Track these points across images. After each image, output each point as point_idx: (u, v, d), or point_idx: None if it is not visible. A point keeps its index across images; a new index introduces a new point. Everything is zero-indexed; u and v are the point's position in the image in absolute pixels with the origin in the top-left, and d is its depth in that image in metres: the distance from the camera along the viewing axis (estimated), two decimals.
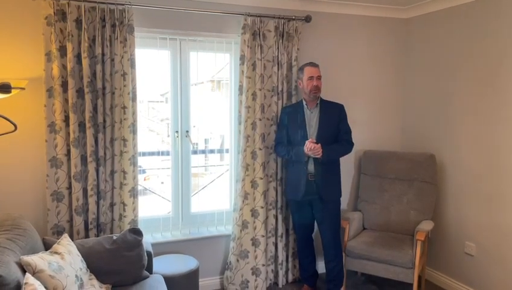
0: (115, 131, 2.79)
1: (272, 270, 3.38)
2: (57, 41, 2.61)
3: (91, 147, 2.71)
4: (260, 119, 3.13)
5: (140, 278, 2.46)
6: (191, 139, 3.24)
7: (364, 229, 3.42)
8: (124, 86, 2.77)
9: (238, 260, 3.20)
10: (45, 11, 2.57)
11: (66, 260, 2.05)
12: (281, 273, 3.37)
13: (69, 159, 2.72)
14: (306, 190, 2.96)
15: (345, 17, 3.51)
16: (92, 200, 2.75)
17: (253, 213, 3.19)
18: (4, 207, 2.70)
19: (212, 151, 3.61)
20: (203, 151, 3.44)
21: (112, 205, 2.85)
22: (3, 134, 2.50)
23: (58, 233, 2.72)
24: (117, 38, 2.72)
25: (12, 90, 2.33)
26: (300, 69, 3.02)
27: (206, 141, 3.55)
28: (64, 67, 2.67)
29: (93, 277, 2.28)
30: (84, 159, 2.77)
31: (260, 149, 3.14)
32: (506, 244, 2.85)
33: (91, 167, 2.72)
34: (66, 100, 2.68)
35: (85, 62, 2.65)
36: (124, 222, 2.85)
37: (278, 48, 3.17)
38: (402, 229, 3.28)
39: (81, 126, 2.75)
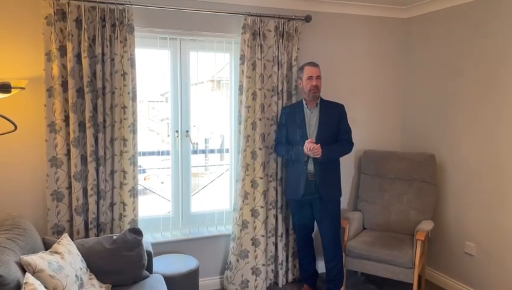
0: (115, 131, 2.79)
1: (272, 270, 3.38)
2: (57, 41, 2.61)
3: (91, 147, 2.71)
4: (260, 119, 3.13)
5: (140, 278, 2.46)
6: (191, 139, 3.24)
7: (364, 229, 3.42)
8: (124, 85, 2.77)
9: (238, 260, 3.20)
10: (45, 11, 2.57)
11: (66, 259, 2.05)
12: (281, 273, 3.37)
13: (69, 159, 2.72)
14: (306, 190, 2.96)
15: (345, 17, 3.51)
16: (92, 200, 2.75)
17: (253, 213, 3.19)
18: (4, 207, 2.71)
19: (212, 151, 3.61)
20: (203, 151, 3.44)
21: (112, 204, 2.85)
22: (3, 134, 2.50)
23: (58, 233, 2.72)
24: (117, 38, 2.72)
25: (13, 90, 2.33)
26: (300, 69, 3.02)
27: (206, 140, 3.55)
28: (64, 67, 2.67)
29: (93, 276, 2.28)
30: (84, 159, 2.77)
31: (260, 149, 3.14)
32: (506, 244, 2.85)
33: (91, 166, 2.72)
34: (66, 100, 2.69)
35: (85, 62, 2.65)
36: (124, 221, 2.85)
37: (278, 47, 3.17)
38: (402, 229, 3.28)
39: (81, 126, 2.75)
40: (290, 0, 3.25)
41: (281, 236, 3.33)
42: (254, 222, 3.20)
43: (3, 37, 2.61)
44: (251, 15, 3.06)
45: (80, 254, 2.25)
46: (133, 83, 2.79)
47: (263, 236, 3.22)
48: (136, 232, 2.47)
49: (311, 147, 2.80)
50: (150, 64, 3.12)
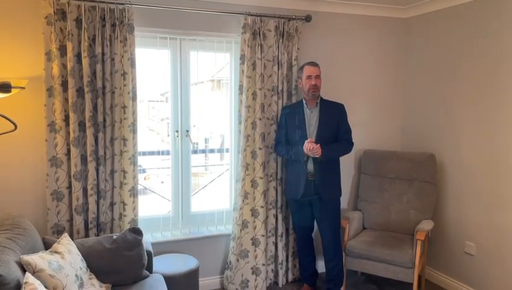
0: (115, 130, 2.78)
1: (272, 269, 3.38)
2: (57, 40, 2.61)
3: (91, 147, 2.71)
4: (260, 119, 3.13)
5: (140, 278, 2.46)
6: (191, 139, 3.24)
7: (364, 229, 3.42)
8: (124, 85, 2.77)
9: (238, 260, 3.20)
10: (45, 11, 2.56)
11: (66, 259, 2.05)
12: (281, 272, 3.37)
13: (69, 159, 2.72)
14: (305, 189, 2.96)
15: (345, 17, 3.51)
16: (92, 200, 2.75)
17: (253, 213, 3.19)
18: (4, 206, 2.70)
19: (212, 151, 3.61)
20: (203, 151, 3.44)
21: (112, 204, 2.85)
22: (3, 133, 2.50)
23: (58, 232, 2.72)
24: (117, 37, 2.72)
25: (13, 89, 2.33)
26: (300, 69, 3.02)
27: (206, 140, 3.55)
28: (64, 66, 2.67)
29: (93, 276, 2.28)
30: (84, 159, 2.77)
31: (260, 149, 3.14)
32: (506, 244, 2.85)
33: (91, 166, 2.72)
34: (66, 99, 2.68)
35: (85, 61, 2.65)
36: (124, 221, 2.85)
37: (278, 47, 3.17)
38: (402, 228, 3.28)
39: (81, 125, 2.75)
40: (290, 0, 3.25)
41: (281, 236, 3.33)
42: (254, 222, 3.20)
43: (3, 37, 2.61)
44: (251, 15, 3.06)
45: (80, 254, 2.25)
46: (133, 82, 2.79)
47: (263, 236, 3.22)
48: (136, 232, 2.47)
49: (310, 147, 2.80)
50: (150, 64, 3.12)
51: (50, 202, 2.69)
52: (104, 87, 2.74)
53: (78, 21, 2.66)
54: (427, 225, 3.00)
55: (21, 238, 2.06)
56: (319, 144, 2.81)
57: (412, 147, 3.70)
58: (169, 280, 2.67)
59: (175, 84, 3.15)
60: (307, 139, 2.88)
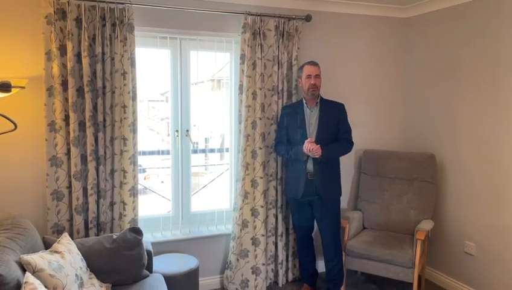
0: (115, 130, 2.78)
1: (272, 269, 3.38)
2: (57, 40, 2.60)
3: (91, 146, 2.71)
4: (260, 119, 3.13)
5: (140, 277, 2.46)
6: (191, 139, 3.24)
7: (364, 229, 3.42)
8: (124, 85, 2.77)
9: (238, 259, 3.20)
10: (45, 10, 2.56)
11: (66, 259, 2.05)
12: (281, 272, 3.37)
13: (69, 158, 2.72)
14: (305, 189, 2.96)
15: (345, 17, 3.51)
16: (92, 199, 2.75)
17: (253, 212, 3.19)
18: (4, 206, 2.70)
19: (212, 151, 3.61)
20: (203, 151, 3.43)
21: (112, 204, 2.85)
22: (3, 133, 2.50)
23: (58, 232, 2.72)
24: (117, 37, 2.71)
25: (13, 89, 2.33)
26: (300, 68, 3.02)
27: (206, 140, 3.55)
28: (64, 66, 2.67)
29: (93, 276, 2.28)
30: (84, 158, 2.77)
31: (260, 148, 3.14)
32: (506, 244, 2.85)
33: (91, 166, 2.72)
34: (66, 99, 2.68)
35: (85, 61, 2.64)
36: (124, 221, 2.85)
37: (278, 47, 3.17)
38: (402, 228, 3.28)
39: (81, 125, 2.75)
40: (290, 0, 3.25)
41: (281, 235, 3.33)
42: (254, 222, 3.20)
43: (3, 37, 2.61)
44: (251, 14, 3.05)
45: (80, 253, 2.25)
46: (133, 82, 2.79)
47: (263, 235, 3.22)
48: (136, 231, 2.47)
49: (310, 148, 2.79)
50: (150, 63, 3.11)
51: (50, 201, 2.69)
52: (104, 87, 2.74)
53: (78, 21, 2.65)
54: (427, 225, 3.00)
55: (21, 238, 2.06)
56: (319, 145, 2.81)
57: (412, 147, 3.70)
58: (169, 279, 2.67)
59: (175, 84, 3.15)
60: (307, 138, 2.88)
